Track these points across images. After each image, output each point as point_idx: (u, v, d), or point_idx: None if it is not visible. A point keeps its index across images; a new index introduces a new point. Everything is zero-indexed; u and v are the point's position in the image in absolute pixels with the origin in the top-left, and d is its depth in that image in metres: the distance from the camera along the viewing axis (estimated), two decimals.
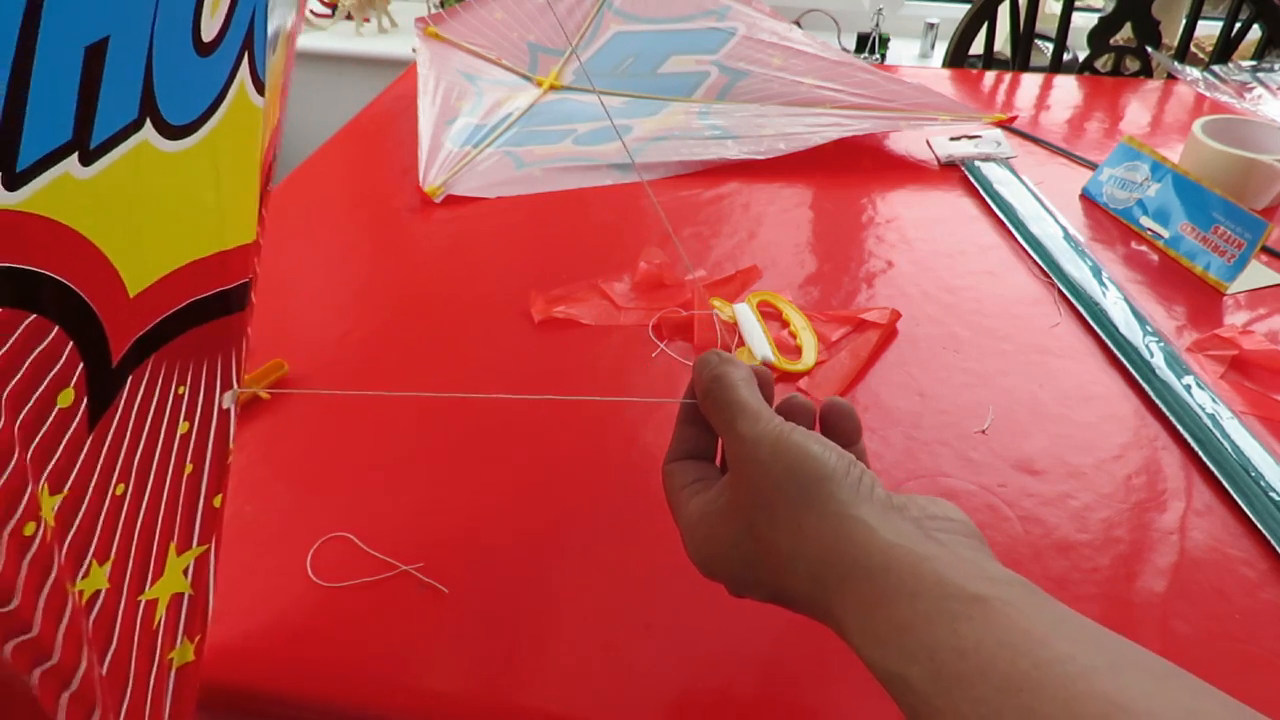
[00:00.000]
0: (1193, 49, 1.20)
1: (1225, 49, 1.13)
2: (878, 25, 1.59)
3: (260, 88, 0.28)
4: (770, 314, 0.60)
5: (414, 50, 0.95)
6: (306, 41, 1.75)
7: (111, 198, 0.23)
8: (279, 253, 0.71)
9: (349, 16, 1.80)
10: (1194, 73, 0.83)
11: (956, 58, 1.22)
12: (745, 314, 0.59)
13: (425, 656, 0.39)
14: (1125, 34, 1.17)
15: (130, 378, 0.26)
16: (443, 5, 1.62)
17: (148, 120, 0.23)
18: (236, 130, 0.28)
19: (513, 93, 0.91)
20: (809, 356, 0.56)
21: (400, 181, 0.80)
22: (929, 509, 0.29)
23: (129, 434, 0.26)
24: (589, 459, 0.49)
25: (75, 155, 0.21)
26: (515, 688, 0.38)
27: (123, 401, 0.26)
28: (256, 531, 0.45)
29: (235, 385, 0.32)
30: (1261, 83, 0.80)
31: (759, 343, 0.56)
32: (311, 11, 1.81)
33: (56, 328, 0.22)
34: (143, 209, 0.25)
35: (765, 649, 0.39)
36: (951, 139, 0.82)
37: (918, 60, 1.68)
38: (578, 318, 0.60)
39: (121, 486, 0.26)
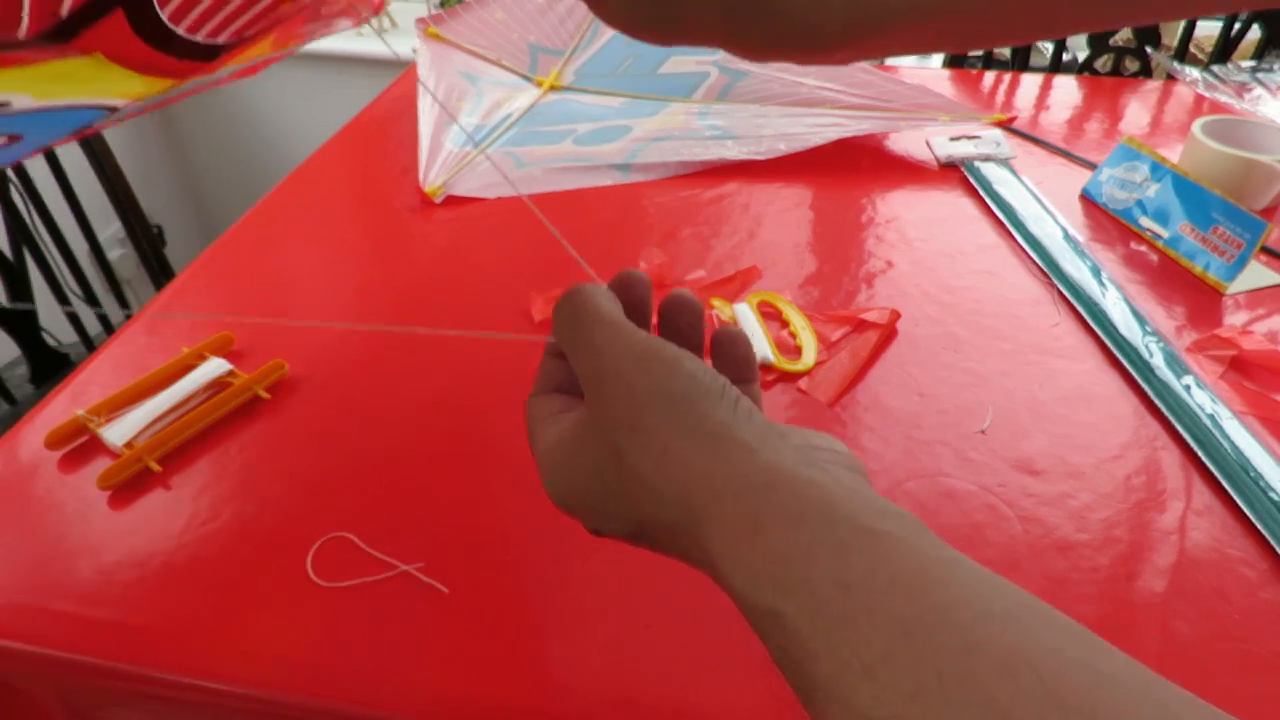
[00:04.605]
0: (1192, 49, 1.20)
1: (1225, 49, 1.13)
2: None
3: None
4: (770, 314, 0.60)
5: (414, 50, 0.95)
6: None
7: None
8: (279, 252, 0.71)
9: None
10: (1193, 73, 0.83)
11: (956, 57, 1.22)
12: (745, 314, 0.59)
13: (425, 656, 0.39)
14: (1125, 34, 1.17)
15: None
16: (443, 5, 1.62)
17: None
18: None
19: (513, 93, 0.91)
20: (809, 356, 0.56)
21: (400, 181, 0.80)
22: (812, 439, 0.26)
23: None
24: None
25: None
26: (515, 688, 0.38)
27: None
28: (256, 531, 0.45)
29: None
30: (1261, 83, 0.80)
31: (759, 343, 0.56)
32: None
33: None
34: None
35: (765, 648, 0.39)
36: (951, 139, 0.82)
37: (918, 60, 1.68)
38: None
39: None
